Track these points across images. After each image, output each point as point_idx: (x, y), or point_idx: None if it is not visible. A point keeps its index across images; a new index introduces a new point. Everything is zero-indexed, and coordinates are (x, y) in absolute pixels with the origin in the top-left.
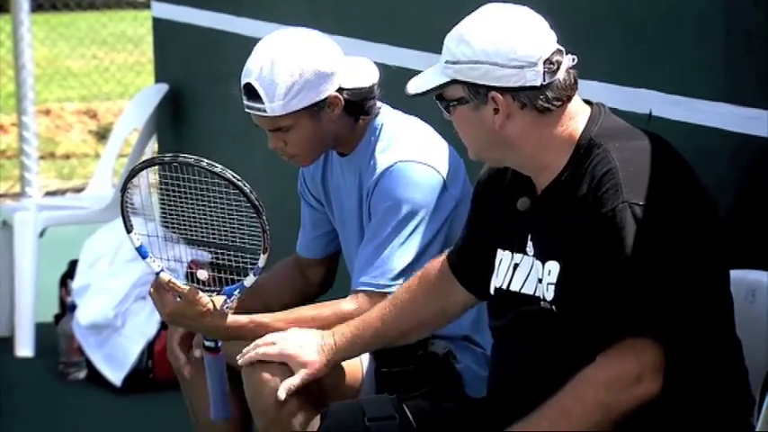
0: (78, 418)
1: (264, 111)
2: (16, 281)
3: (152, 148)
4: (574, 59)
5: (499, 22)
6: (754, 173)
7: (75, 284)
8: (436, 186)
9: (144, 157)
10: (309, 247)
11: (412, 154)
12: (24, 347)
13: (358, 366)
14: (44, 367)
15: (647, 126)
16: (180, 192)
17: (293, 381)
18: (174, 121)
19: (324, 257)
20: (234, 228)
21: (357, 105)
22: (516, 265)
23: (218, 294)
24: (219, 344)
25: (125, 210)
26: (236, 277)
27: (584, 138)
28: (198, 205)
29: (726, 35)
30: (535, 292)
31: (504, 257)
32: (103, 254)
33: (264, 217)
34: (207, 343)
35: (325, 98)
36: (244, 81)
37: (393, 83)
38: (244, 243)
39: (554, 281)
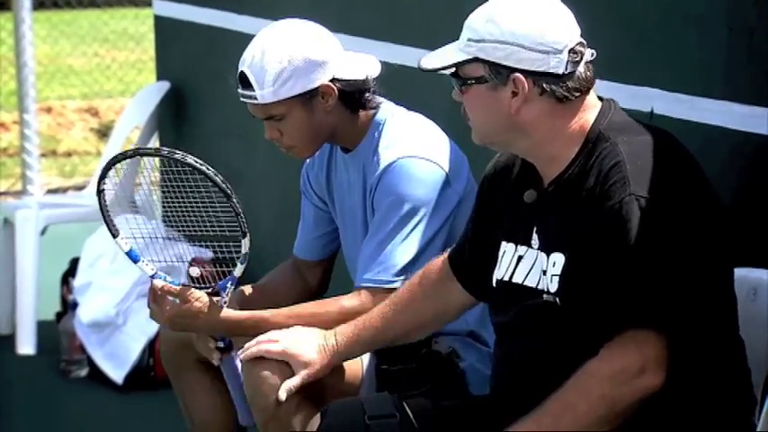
0: (80, 416)
1: (255, 98)
2: (18, 279)
3: (153, 146)
4: (593, 54)
5: (529, 6)
6: (755, 171)
7: (77, 282)
8: (439, 182)
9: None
10: (308, 248)
11: (415, 150)
12: (26, 345)
13: (358, 364)
14: (46, 365)
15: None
16: (156, 187)
17: (293, 381)
18: (175, 118)
19: (321, 260)
20: (210, 217)
21: (353, 97)
22: (520, 257)
23: (212, 290)
24: (228, 342)
25: (105, 214)
26: (225, 269)
27: (593, 131)
28: (173, 199)
29: (727, 33)
30: (538, 285)
31: (507, 249)
32: (105, 252)
33: (235, 199)
34: (218, 344)
35: (317, 87)
36: (239, 70)
37: (395, 81)
38: (224, 231)
39: (558, 272)
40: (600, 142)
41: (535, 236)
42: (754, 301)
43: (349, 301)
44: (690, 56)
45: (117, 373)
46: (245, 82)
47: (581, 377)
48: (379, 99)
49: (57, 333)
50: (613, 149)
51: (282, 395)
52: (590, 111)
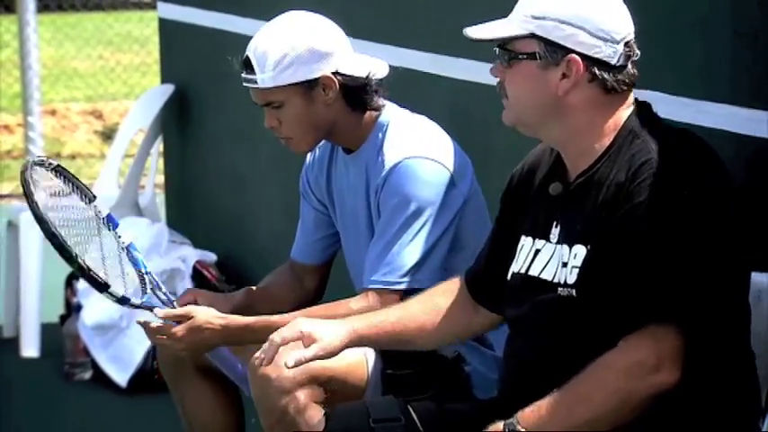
0: (83, 419)
1: (256, 81)
2: (22, 281)
3: (158, 149)
4: (637, 54)
5: None
6: (758, 174)
7: (81, 285)
8: (444, 182)
9: (150, 158)
10: (307, 251)
11: (420, 150)
12: (30, 348)
13: (364, 367)
14: (49, 368)
15: None
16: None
17: (306, 353)
18: (179, 121)
19: (320, 264)
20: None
21: (355, 94)
22: (537, 251)
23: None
24: None
25: (70, 253)
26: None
27: (625, 127)
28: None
29: (731, 36)
30: (554, 278)
31: (525, 243)
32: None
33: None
34: None
35: (319, 78)
36: (244, 54)
37: (398, 83)
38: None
39: (579, 264)
40: (632, 139)
41: (554, 230)
42: (757, 306)
43: (357, 303)
44: (693, 59)
45: (121, 376)
46: (248, 65)
47: (597, 368)
48: (383, 101)
49: (60, 336)
50: (645, 147)
51: (291, 362)
52: (626, 108)
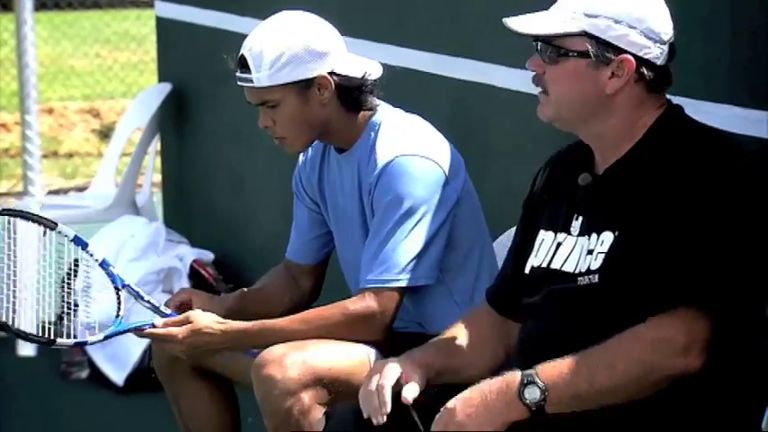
0: (80, 418)
1: (251, 81)
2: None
3: (155, 147)
4: (675, 55)
5: None
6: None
7: (78, 284)
8: (438, 180)
9: (147, 157)
10: (302, 251)
11: (413, 148)
12: (26, 347)
13: (367, 368)
14: (46, 366)
15: None
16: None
17: (413, 390)
18: (176, 120)
19: (315, 263)
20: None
21: (350, 95)
22: (559, 244)
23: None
24: None
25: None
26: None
27: (658, 123)
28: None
29: (731, 37)
30: (575, 269)
31: (546, 237)
32: (106, 253)
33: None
34: None
35: (314, 78)
36: (240, 53)
37: (398, 83)
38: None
39: (605, 249)
40: (663, 133)
41: (575, 222)
42: None
43: (354, 303)
44: (693, 59)
45: (117, 375)
46: (243, 64)
47: (624, 338)
48: (377, 101)
49: None
50: (678, 141)
51: (410, 398)
52: (661, 106)
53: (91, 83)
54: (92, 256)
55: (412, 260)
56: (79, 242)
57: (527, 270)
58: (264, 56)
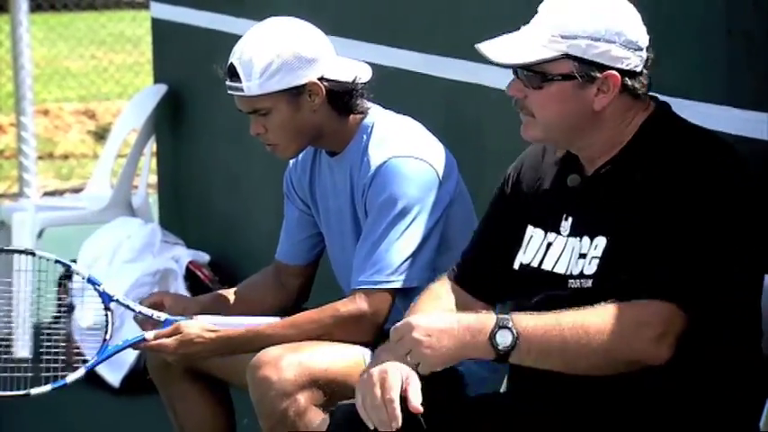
0: (76, 420)
1: (242, 90)
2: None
3: (150, 149)
4: (651, 57)
5: (614, 2)
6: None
7: (74, 285)
8: (431, 181)
9: (143, 158)
10: (292, 252)
11: (406, 149)
12: (22, 349)
13: (362, 368)
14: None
15: None
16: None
17: (418, 395)
18: (172, 121)
19: (306, 264)
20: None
21: (341, 99)
22: (549, 244)
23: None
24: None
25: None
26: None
27: (646, 123)
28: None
29: (726, 37)
30: (567, 270)
31: (534, 235)
32: (102, 254)
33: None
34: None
35: (305, 84)
36: (229, 62)
37: (390, 83)
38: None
39: (599, 255)
40: (651, 135)
41: (564, 222)
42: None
43: (344, 305)
44: (689, 60)
45: (113, 377)
46: (233, 73)
47: (606, 309)
48: (368, 104)
49: None
50: (666, 142)
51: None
52: (647, 108)
53: (86, 84)
54: (77, 274)
55: (404, 262)
56: (61, 263)
57: (516, 266)
58: (254, 64)
